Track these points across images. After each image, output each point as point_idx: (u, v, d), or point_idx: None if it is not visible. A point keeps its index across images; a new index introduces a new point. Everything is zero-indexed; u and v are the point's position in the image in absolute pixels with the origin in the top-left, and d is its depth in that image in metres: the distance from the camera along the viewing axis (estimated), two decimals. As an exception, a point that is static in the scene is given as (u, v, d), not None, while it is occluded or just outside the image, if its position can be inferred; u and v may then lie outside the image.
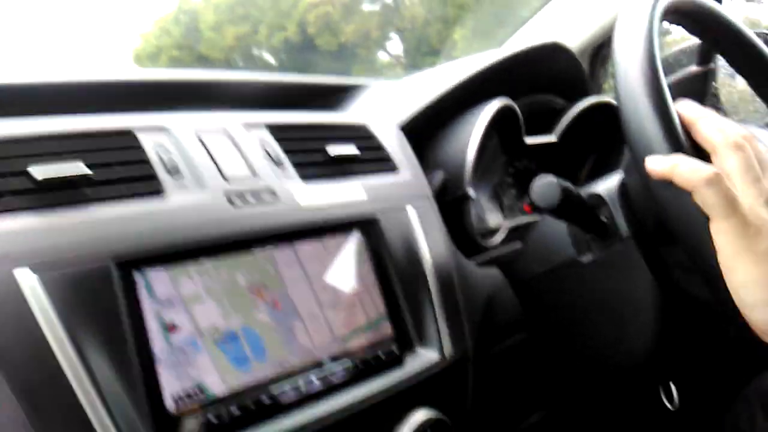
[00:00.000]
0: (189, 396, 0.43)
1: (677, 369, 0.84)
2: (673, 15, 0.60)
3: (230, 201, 0.49)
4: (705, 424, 0.90)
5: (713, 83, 1.23)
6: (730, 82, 1.42)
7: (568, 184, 0.59)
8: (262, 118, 0.59)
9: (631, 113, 0.49)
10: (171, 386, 0.43)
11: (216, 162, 0.51)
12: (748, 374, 0.81)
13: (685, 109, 0.49)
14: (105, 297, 0.42)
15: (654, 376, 0.82)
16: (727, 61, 0.75)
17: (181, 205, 0.47)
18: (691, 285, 0.61)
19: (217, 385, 0.45)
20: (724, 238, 0.42)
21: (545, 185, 0.58)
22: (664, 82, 0.49)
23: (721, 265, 0.43)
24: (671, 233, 0.48)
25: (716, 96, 1.33)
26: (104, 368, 0.40)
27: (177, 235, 0.45)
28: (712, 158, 0.45)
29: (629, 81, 0.49)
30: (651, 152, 0.47)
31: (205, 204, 0.48)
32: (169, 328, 0.44)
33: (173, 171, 0.49)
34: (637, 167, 0.49)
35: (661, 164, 0.45)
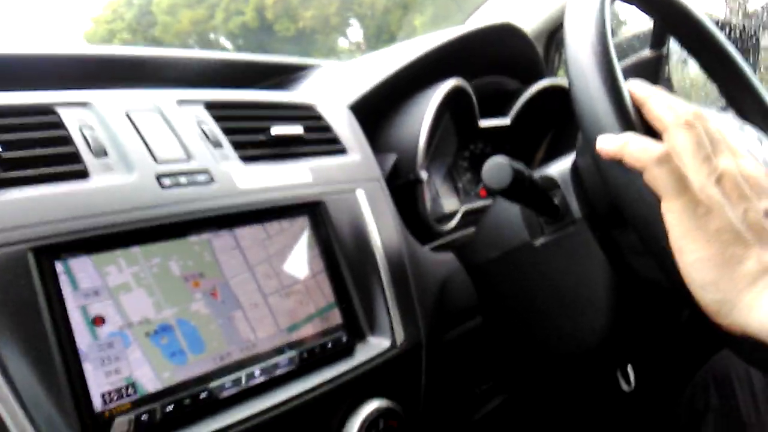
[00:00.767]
0: (119, 394, 0.40)
1: (633, 352, 0.85)
2: None
3: (161, 183, 0.46)
4: (661, 405, 0.92)
5: (666, 68, 1.25)
6: (683, 67, 1.45)
7: (519, 166, 0.58)
8: (199, 96, 0.56)
9: (581, 92, 0.48)
10: (99, 384, 0.39)
11: (146, 142, 0.48)
12: (701, 356, 0.83)
13: (635, 88, 0.48)
14: (21, 288, 0.38)
15: (609, 359, 0.82)
16: (679, 41, 0.75)
17: (107, 187, 0.43)
18: (643, 267, 0.61)
19: (151, 381, 0.41)
20: (674, 217, 0.41)
21: (496, 166, 0.56)
22: (615, 60, 0.48)
23: (672, 246, 0.42)
24: (622, 214, 0.48)
25: (669, 81, 1.35)
26: (22, 367, 0.37)
27: (102, 219, 0.42)
28: (663, 137, 0.45)
29: (580, 59, 0.48)
30: (601, 132, 0.46)
31: (133, 186, 0.44)
32: (96, 322, 0.40)
33: (98, 151, 0.45)
34: (588, 148, 0.48)
35: (611, 143, 0.44)
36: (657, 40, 0.85)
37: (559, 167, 0.67)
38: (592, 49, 0.48)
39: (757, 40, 1.41)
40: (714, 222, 0.40)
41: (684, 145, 0.43)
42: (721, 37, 0.71)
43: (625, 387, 0.92)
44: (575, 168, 0.65)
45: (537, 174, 0.66)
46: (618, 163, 0.44)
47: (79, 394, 0.38)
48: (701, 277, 0.41)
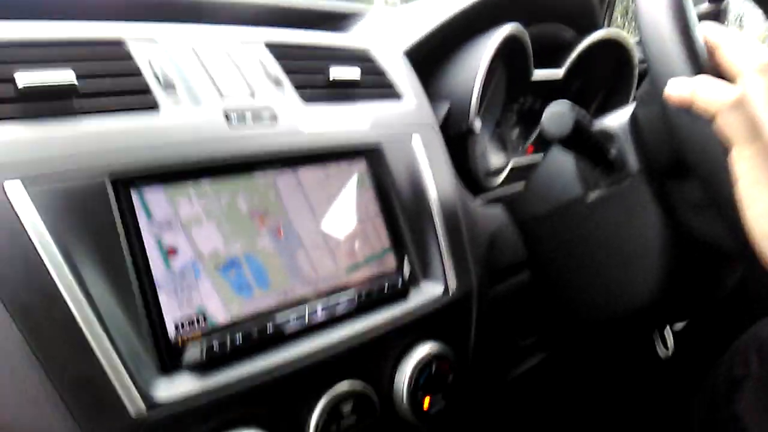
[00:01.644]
0: (191, 323, 0.41)
1: (678, 315, 0.84)
2: None
3: (228, 120, 0.46)
4: (696, 371, 0.91)
5: (725, 23, 1.19)
6: (739, 24, 1.39)
7: (582, 112, 0.56)
8: (261, 36, 0.55)
9: (652, 35, 0.46)
10: (172, 313, 0.41)
11: (212, 78, 0.48)
12: (744, 322, 0.82)
13: (709, 31, 0.46)
14: (101, 215, 0.39)
15: (657, 320, 0.81)
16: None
17: (177, 121, 0.44)
18: (700, 224, 0.60)
19: (220, 312, 0.43)
20: (745, 165, 0.40)
21: (558, 112, 0.55)
22: (690, 3, 0.46)
23: (738, 196, 0.41)
24: (686, 163, 0.46)
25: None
26: (103, 290, 0.38)
27: (174, 152, 0.42)
28: (737, 82, 0.43)
29: (651, 2, 0.46)
30: (672, 76, 0.44)
31: (202, 122, 0.45)
32: (169, 252, 0.41)
33: (167, 85, 0.45)
34: (655, 95, 0.46)
35: (682, 87, 0.42)
36: (717, -7, 0.81)
37: (617, 119, 0.65)
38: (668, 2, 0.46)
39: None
40: None
41: (759, 91, 0.41)
42: None
43: (662, 352, 0.92)
44: (634, 119, 0.63)
45: (594, 125, 0.65)
46: (686, 109, 0.43)
47: (155, 321, 0.40)
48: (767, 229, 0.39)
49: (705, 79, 0.41)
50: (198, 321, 0.42)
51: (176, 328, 0.41)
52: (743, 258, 0.45)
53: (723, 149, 0.41)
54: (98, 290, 0.37)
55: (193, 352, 0.40)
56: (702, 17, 1.13)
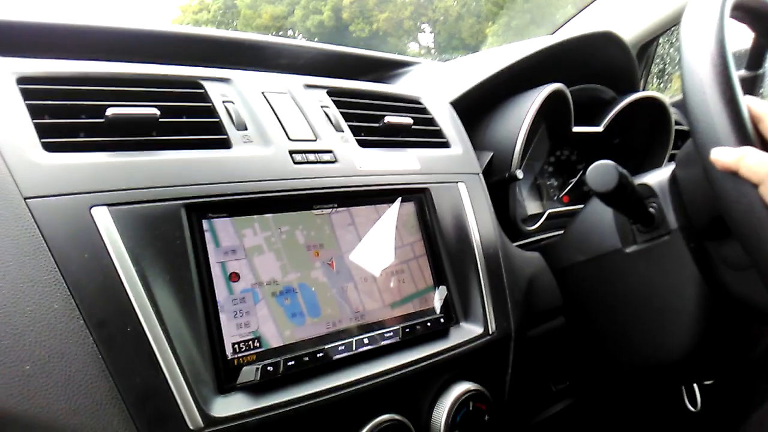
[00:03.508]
0: (248, 345, 0.44)
1: (710, 371, 0.83)
2: (740, 11, 0.59)
3: (293, 158, 0.50)
4: (724, 427, 0.89)
5: (761, 89, 1.21)
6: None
7: (624, 171, 0.59)
8: (323, 82, 0.60)
9: (698, 103, 0.48)
10: (231, 334, 0.43)
11: (280, 120, 0.52)
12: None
13: (754, 103, 0.48)
14: (174, 240, 0.43)
15: (688, 374, 0.81)
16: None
17: (248, 158, 0.48)
18: (736, 283, 0.61)
19: (274, 337, 0.45)
20: None
21: (603, 169, 0.57)
22: (735, 74, 0.49)
23: None
24: (727, 227, 0.48)
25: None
26: (171, 308, 0.41)
27: (243, 185, 0.46)
28: None
29: (698, 71, 0.49)
30: (717, 144, 0.46)
31: (270, 158, 0.49)
32: (232, 277, 0.44)
33: (239, 124, 0.50)
34: (698, 159, 0.48)
35: (728, 155, 0.44)
36: (755, 60, 0.84)
37: (658, 177, 0.67)
38: (712, 61, 0.48)
39: None
40: None
41: None
42: None
43: (690, 407, 0.90)
44: (674, 179, 0.65)
45: (635, 181, 0.67)
46: (731, 175, 0.45)
47: (215, 340, 0.43)
48: None
49: (751, 149, 0.44)
50: (254, 343, 0.44)
51: (234, 349, 0.43)
52: None
53: (765, 214, 0.43)
54: (167, 309, 0.41)
55: (249, 373, 0.43)
56: (740, 83, 1.15)
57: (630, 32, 1.21)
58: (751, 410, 1.00)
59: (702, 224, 0.62)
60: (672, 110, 1.01)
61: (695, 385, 0.90)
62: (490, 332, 0.57)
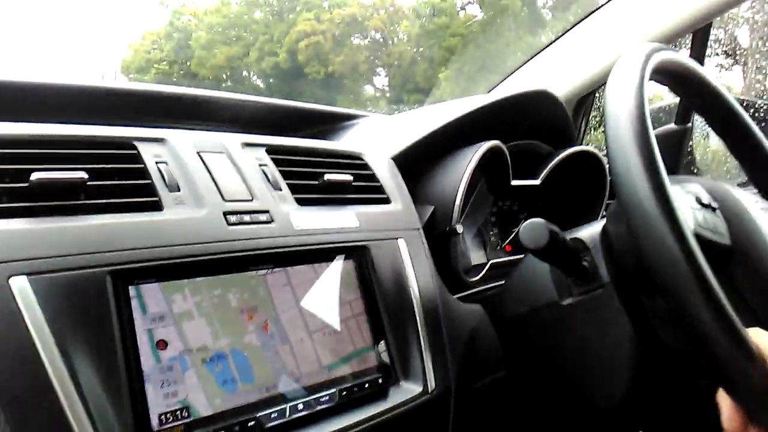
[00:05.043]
0: (175, 415, 0.43)
1: (650, 416, 0.85)
2: (661, 74, 0.63)
3: (227, 220, 0.50)
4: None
5: (690, 142, 1.29)
6: (705, 142, 1.49)
7: (555, 228, 0.61)
8: (262, 140, 0.60)
9: (620, 166, 0.50)
10: (158, 404, 0.42)
11: (215, 180, 0.52)
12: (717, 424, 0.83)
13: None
14: (98, 308, 0.41)
15: (627, 422, 0.82)
16: (706, 120, 0.79)
17: (179, 220, 0.47)
18: (669, 335, 0.63)
19: (203, 405, 0.44)
20: None
21: (534, 227, 0.59)
22: (653, 137, 0.51)
23: None
24: (653, 282, 0.50)
25: (692, 153, 1.39)
26: (92, 381, 0.40)
27: (174, 250, 0.45)
28: None
29: (620, 133, 0.51)
30: (638, 203, 0.48)
31: (203, 221, 0.48)
32: (159, 345, 0.43)
33: (172, 186, 0.49)
34: (623, 217, 0.51)
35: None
36: (683, 115, 0.88)
37: (590, 231, 0.69)
38: (632, 123, 0.51)
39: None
40: None
41: None
42: (746, 117, 0.75)
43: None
44: (605, 233, 0.68)
45: (568, 236, 0.69)
46: (653, 233, 0.47)
47: (139, 412, 0.41)
48: None
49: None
50: (182, 413, 0.43)
51: (160, 420, 0.42)
52: (709, 371, 0.47)
53: (688, 272, 0.45)
54: (89, 382, 0.39)
55: (174, 446, 0.41)
56: (669, 137, 1.22)
57: (567, 86, 1.27)
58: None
59: (633, 278, 0.64)
60: (606, 163, 1.05)
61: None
62: (430, 390, 0.57)
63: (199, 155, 0.54)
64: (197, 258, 0.46)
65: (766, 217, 0.65)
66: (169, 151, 0.52)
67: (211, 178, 0.52)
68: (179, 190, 0.50)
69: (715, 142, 1.53)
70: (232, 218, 0.50)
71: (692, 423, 1.01)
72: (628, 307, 0.65)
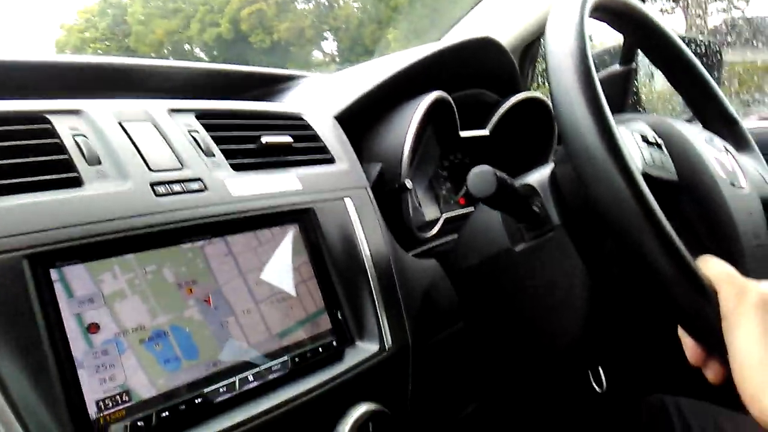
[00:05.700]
0: (114, 401, 0.40)
1: (606, 353, 0.87)
2: (601, 12, 0.61)
3: (155, 191, 0.46)
4: (632, 404, 0.94)
5: (634, 82, 1.29)
6: (650, 82, 1.50)
7: (503, 174, 0.60)
8: (190, 105, 0.56)
9: (564, 108, 0.49)
10: (94, 391, 0.39)
11: (139, 150, 0.48)
12: (671, 358, 0.85)
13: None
14: (17, 296, 0.38)
15: (584, 360, 0.84)
16: (649, 57, 0.79)
17: (101, 195, 0.44)
18: (619, 273, 0.63)
19: (145, 387, 0.42)
20: None
21: (481, 175, 0.58)
22: (596, 76, 0.50)
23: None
24: (602, 222, 0.49)
25: (637, 94, 1.40)
26: (17, 374, 0.37)
27: (97, 227, 0.42)
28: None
29: (562, 73, 0.50)
30: (585, 146, 0.47)
31: (127, 194, 0.45)
32: (90, 329, 0.40)
33: (92, 159, 0.45)
34: (569, 159, 0.50)
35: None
36: (626, 56, 0.88)
37: (539, 176, 0.69)
38: (574, 65, 0.50)
39: (720, 55, 1.48)
40: None
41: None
42: (688, 52, 0.75)
43: (597, 388, 0.94)
44: (554, 177, 0.67)
45: (517, 182, 0.68)
46: (601, 174, 0.46)
47: (74, 401, 0.38)
48: None
49: None
50: (122, 398, 0.41)
51: (98, 407, 0.39)
52: (661, 304, 0.47)
53: (638, 212, 0.45)
54: (14, 377, 0.36)
55: (117, 431, 0.39)
56: (614, 78, 1.22)
57: (512, 33, 1.26)
58: (653, 386, 1.06)
59: (582, 218, 0.64)
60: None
61: (600, 368, 0.94)
62: (387, 348, 0.56)
63: (121, 125, 0.50)
64: (124, 234, 0.43)
65: (710, 149, 0.66)
66: (87, 123, 0.48)
67: (135, 148, 0.48)
68: (100, 164, 0.46)
69: (660, 84, 1.55)
70: (161, 189, 0.47)
71: (653, 358, 1.05)
72: (580, 248, 0.65)
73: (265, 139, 0.58)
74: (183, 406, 0.42)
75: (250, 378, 0.47)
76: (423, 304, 0.68)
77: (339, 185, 0.62)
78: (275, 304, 0.51)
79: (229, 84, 0.79)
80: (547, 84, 0.53)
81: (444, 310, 0.72)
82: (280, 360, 0.49)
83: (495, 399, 0.84)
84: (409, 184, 0.74)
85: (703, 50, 1.39)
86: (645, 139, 0.64)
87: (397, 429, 0.56)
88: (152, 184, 0.47)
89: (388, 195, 0.75)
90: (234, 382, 0.46)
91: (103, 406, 0.40)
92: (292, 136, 0.61)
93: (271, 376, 0.48)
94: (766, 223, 0.66)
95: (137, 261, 0.44)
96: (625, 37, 0.90)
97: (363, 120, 0.77)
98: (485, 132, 0.92)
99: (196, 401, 0.43)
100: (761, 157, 0.74)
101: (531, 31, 1.26)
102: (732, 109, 0.75)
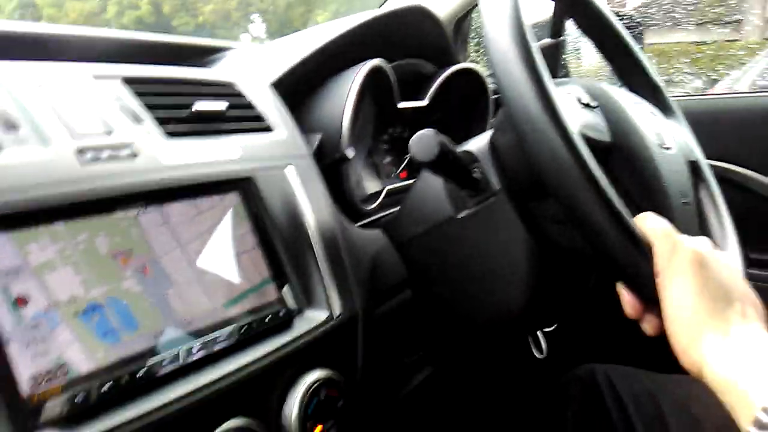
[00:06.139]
0: (50, 376, 0.38)
1: (548, 319, 0.90)
2: None
3: (81, 158, 0.43)
4: (568, 368, 0.98)
5: (563, 55, 1.34)
6: (577, 55, 1.56)
7: (444, 138, 0.60)
8: (117, 71, 0.53)
9: (503, 74, 0.49)
10: (26, 367, 0.37)
11: (62, 116, 0.45)
12: (610, 324, 0.89)
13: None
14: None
15: (527, 326, 0.87)
16: (579, 26, 0.81)
17: (21, 163, 0.40)
18: (560, 236, 0.65)
19: (83, 361, 0.39)
20: None
21: (424, 139, 0.58)
22: (535, 44, 0.51)
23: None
24: (543, 186, 0.50)
25: (565, 67, 1.45)
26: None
27: (19, 195, 0.39)
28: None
29: (499, 43, 0.50)
30: (527, 113, 0.48)
31: (50, 161, 0.42)
32: (18, 302, 0.38)
33: (9, 125, 0.42)
34: (510, 125, 0.50)
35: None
36: (556, 29, 0.91)
37: (478, 143, 0.70)
38: (511, 31, 0.50)
39: (642, 32, 1.55)
40: None
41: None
42: (616, 21, 0.78)
43: (537, 354, 0.98)
44: (493, 144, 0.69)
45: (457, 150, 0.69)
46: (540, 137, 0.47)
47: (4, 377, 0.36)
48: None
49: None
50: (58, 372, 0.38)
51: (32, 383, 0.37)
52: (601, 269, 0.49)
53: (577, 171, 0.46)
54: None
55: (53, 408, 0.37)
56: (545, 51, 1.26)
57: (445, 7, 1.26)
58: (591, 351, 1.11)
59: (523, 184, 0.66)
60: (489, 79, 1.07)
61: (539, 334, 0.98)
62: (335, 316, 0.56)
63: (42, 89, 0.46)
64: (48, 203, 0.40)
65: (640, 112, 0.69)
66: (3, 86, 0.45)
67: (56, 113, 0.45)
68: (18, 129, 0.42)
69: (587, 61, 1.61)
70: (87, 156, 0.44)
71: (595, 317, 1.09)
72: (521, 212, 0.66)
73: (197, 107, 0.55)
74: (125, 380, 0.40)
75: (195, 349, 0.45)
76: (371, 273, 0.67)
77: (280, 154, 0.60)
78: (218, 275, 0.49)
79: (156, 54, 0.75)
80: (480, 60, 0.53)
81: (391, 279, 0.72)
82: (226, 330, 0.48)
83: (446, 364, 0.85)
84: (350, 153, 0.73)
85: (627, 23, 1.45)
86: (580, 101, 0.66)
87: (350, 394, 0.56)
88: (78, 150, 0.44)
89: (330, 166, 0.74)
90: (177, 353, 0.44)
91: (36, 382, 0.37)
92: (227, 104, 0.59)
93: (216, 347, 0.47)
94: (692, 184, 0.70)
95: (67, 230, 0.41)
96: (555, 10, 0.92)
97: (300, 89, 0.76)
98: (424, 103, 0.92)
99: (138, 374, 0.41)
100: (684, 120, 0.79)
101: (462, 5, 1.28)
102: (657, 76, 0.79)
